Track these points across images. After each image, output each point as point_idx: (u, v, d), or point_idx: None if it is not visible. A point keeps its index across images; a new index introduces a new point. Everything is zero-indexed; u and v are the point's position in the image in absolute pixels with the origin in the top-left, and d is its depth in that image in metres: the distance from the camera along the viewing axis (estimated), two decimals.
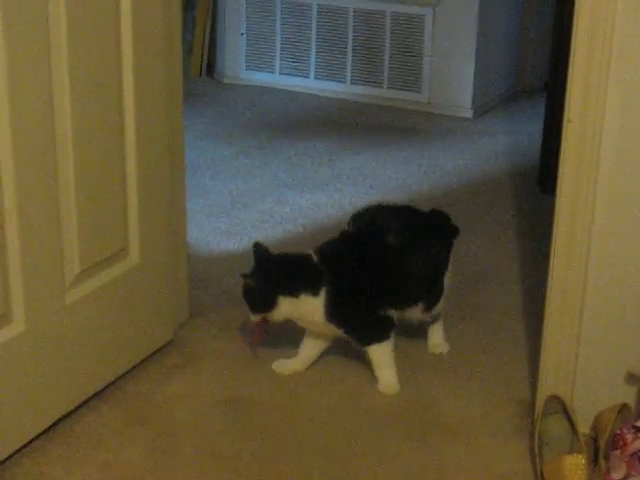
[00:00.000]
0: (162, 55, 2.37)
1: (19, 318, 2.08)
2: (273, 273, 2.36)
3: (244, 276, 2.36)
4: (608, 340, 2.20)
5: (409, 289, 2.46)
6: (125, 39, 2.23)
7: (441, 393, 2.45)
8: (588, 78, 2.03)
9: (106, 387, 2.39)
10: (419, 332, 2.65)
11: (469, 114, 4.63)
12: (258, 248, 2.40)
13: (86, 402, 2.33)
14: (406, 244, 2.41)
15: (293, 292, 2.34)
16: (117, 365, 2.42)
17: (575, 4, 2.03)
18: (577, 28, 2.03)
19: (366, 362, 2.49)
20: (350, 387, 2.47)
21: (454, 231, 2.55)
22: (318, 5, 4.80)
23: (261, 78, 5.01)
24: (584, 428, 2.19)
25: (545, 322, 2.24)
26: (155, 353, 2.55)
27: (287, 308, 2.36)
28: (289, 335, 2.53)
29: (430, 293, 2.50)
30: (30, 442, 2.18)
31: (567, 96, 2.07)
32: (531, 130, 4.31)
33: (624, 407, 2.14)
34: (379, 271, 2.39)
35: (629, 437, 2.02)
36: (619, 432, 2.05)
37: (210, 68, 5.21)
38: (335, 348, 2.55)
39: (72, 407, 2.29)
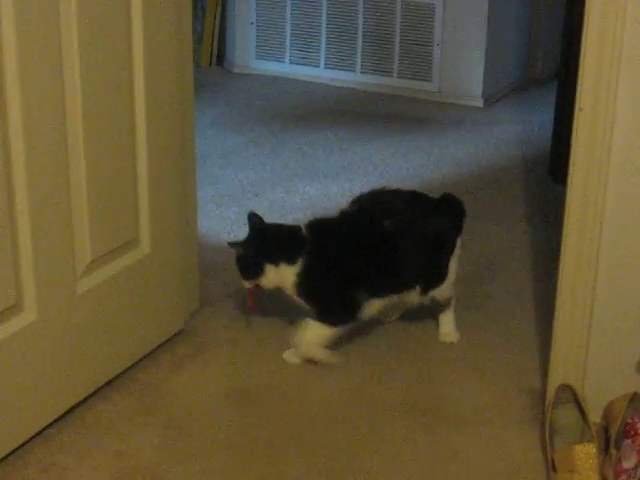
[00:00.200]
0: (172, 45, 2.37)
1: (30, 307, 2.09)
2: (259, 241, 2.43)
3: (230, 244, 2.46)
4: (619, 329, 2.19)
5: (400, 272, 2.45)
6: (135, 29, 2.23)
7: (451, 382, 2.46)
8: (600, 66, 2.03)
9: (117, 376, 2.40)
10: (430, 321, 2.65)
11: (480, 103, 4.61)
12: (253, 217, 2.48)
13: (97, 391, 2.34)
14: (399, 227, 2.42)
15: (274, 260, 2.40)
16: (128, 354, 2.43)
17: None
18: (589, 15, 2.02)
19: (374, 354, 2.49)
20: (360, 377, 2.47)
21: (461, 214, 2.56)
22: None
23: (271, 67, 5.00)
24: (595, 417, 2.19)
25: (556, 311, 2.24)
26: (166, 342, 2.55)
27: (272, 276, 2.42)
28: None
29: (428, 277, 2.50)
30: (42, 431, 2.19)
31: (578, 84, 2.07)
32: (542, 119, 4.29)
33: (635, 396, 2.14)
34: (363, 252, 2.41)
35: None
36: (630, 421, 2.05)
37: (220, 58, 5.20)
38: (344, 338, 2.55)
39: (84, 396, 2.30)
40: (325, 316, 2.43)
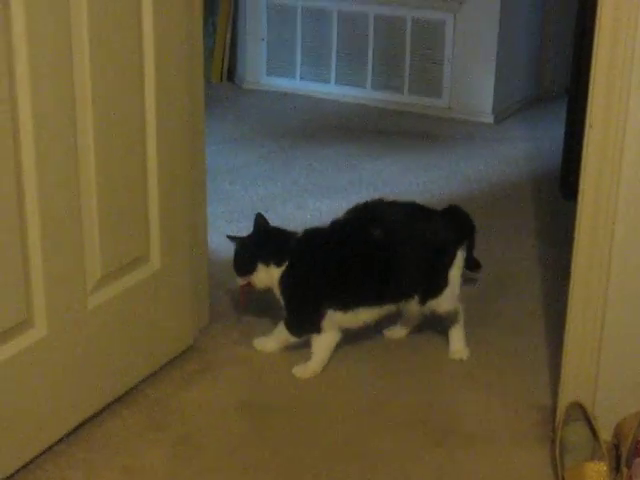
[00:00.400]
0: (183, 61, 2.38)
1: (41, 323, 2.09)
2: (255, 241, 2.55)
3: (229, 237, 2.60)
4: (630, 347, 2.19)
5: (390, 281, 2.48)
6: (147, 45, 2.24)
7: (461, 399, 2.45)
8: (610, 83, 2.03)
9: (127, 392, 2.40)
10: (439, 337, 2.64)
11: (490, 119, 4.62)
12: (258, 218, 2.60)
13: (107, 406, 2.34)
14: (387, 236, 2.46)
15: (265, 260, 2.50)
16: (138, 370, 2.43)
17: (597, 8, 2.02)
18: (599, 32, 2.02)
19: (385, 369, 2.49)
20: (370, 393, 2.46)
21: (464, 227, 2.59)
22: (339, 11, 4.81)
23: (282, 84, 5.02)
24: (606, 435, 2.18)
25: (566, 328, 2.23)
26: (176, 358, 2.55)
27: (263, 275, 2.52)
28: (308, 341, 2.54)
29: (425, 287, 2.51)
30: (52, 446, 2.19)
31: (589, 101, 2.07)
32: (552, 135, 4.29)
33: None
34: (346, 261, 2.47)
35: None
36: None
37: (231, 74, 5.22)
38: (353, 353, 2.55)
39: (93, 411, 2.30)
40: (294, 324, 2.54)
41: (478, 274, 2.86)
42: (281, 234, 2.57)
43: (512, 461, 2.21)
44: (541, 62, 5.03)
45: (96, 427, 2.28)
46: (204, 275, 2.70)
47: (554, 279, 3.02)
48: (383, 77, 4.80)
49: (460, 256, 2.55)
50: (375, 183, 3.83)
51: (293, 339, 2.56)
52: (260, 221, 2.59)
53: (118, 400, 2.36)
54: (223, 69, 5.17)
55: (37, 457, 2.15)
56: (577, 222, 2.15)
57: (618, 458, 2.12)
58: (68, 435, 2.23)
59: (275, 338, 2.60)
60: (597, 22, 2.02)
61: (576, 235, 2.16)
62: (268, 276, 2.52)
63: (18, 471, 2.10)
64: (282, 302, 2.54)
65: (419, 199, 3.57)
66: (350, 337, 2.62)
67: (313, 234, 2.56)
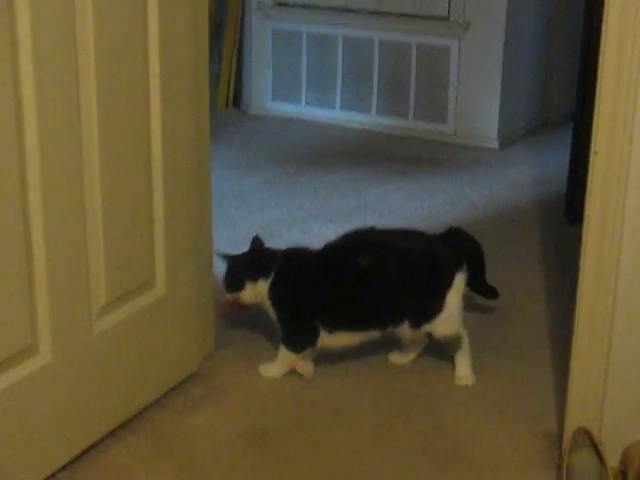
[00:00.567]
0: (189, 86, 2.39)
1: (46, 349, 2.09)
2: (245, 260, 2.60)
3: (218, 254, 2.66)
4: (636, 372, 2.18)
5: (371, 309, 2.51)
6: (153, 71, 2.25)
7: (466, 424, 2.44)
8: (615, 109, 2.03)
9: (132, 418, 2.39)
10: (446, 363, 2.64)
11: (495, 145, 4.63)
12: (255, 240, 2.65)
13: (112, 433, 2.33)
14: (372, 265, 2.49)
15: (253, 278, 2.55)
16: (143, 396, 2.43)
17: (602, 35, 2.02)
18: (604, 59, 2.02)
19: (389, 394, 2.48)
20: (376, 420, 2.46)
21: (466, 250, 2.60)
22: (344, 37, 4.83)
23: (287, 109, 5.03)
24: (613, 461, 2.16)
25: (572, 354, 2.23)
26: (181, 384, 2.55)
27: (251, 292, 2.56)
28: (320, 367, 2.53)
29: (417, 310, 2.52)
30: (55, 473, 2.18)
31: (594, 127, 2.07)
32: (557, 161, 4.30)
33: None
34: (326, 285, 2.51)
35: None
36: None
37: (236, 99, 5.24)
38: (358, 378, 2.54)
39: (98, 438, 2.29)
40: (286, 341, 2.57)
41: (494, 301, 2.84)
42: (268, 252, 2.62)
43: None
44: (546, 88, 5.04)
45: (100, 453, 2.27)
46: (210, 301, 2.70)
47: (560, 304, 3.01)
48: (388, 103, 4.81)
49: (459, 280, 2.54)
50: (380, 208, 3.83)
51: (294, 357, 2.57)
52: (254, 242, 2.64)
53: (123, 426, 2.36)
54: (229, 95, 5.19)
55: None
56: (582, 247, 2.14)
57: None
58: (72, 462, 2.22)
59: (279, 363, 2.59)
60: (602, 48, 2.03)
61: (581, 260, 2.15)
62: (256, 293, 2.56)
63: None
64: (273, 317, 2.57)
65: (424, 224, 3.61)
66: (355, 361, 2.62)
67: (299, 252, 2.61)
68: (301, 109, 5.00)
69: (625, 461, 2.15)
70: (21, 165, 1.94)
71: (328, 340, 2.54)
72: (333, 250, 2.56)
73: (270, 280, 2.53)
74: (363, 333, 2.55)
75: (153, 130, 2.29)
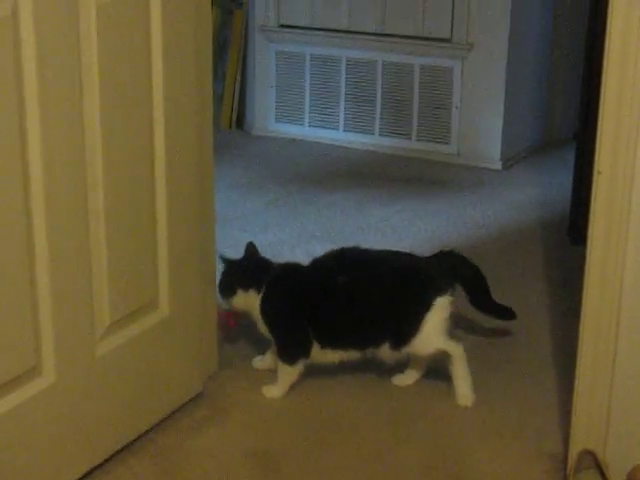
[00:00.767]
0: (193, 107, 2.39)
1: (49, 370, 2.08)
2: (237, 267, 2.65)
3: (221, 257, 2.67)
4: None
5: (349, 329, 2.55)
6: (156, 92, 2.26)
7: (470, 445, 2.43)
8: (618, 129, 2.03)
9: (136, 439, 2.38)
10: (449, 382, 2.63)
11: (498, 166, 4.63)
12: (249, 247, 2.71)
13: (116, 454, 2.32)
14: (351, 286, 2.54)
15: (243, 286, 2.60)
16: (146, 417, 2.42)
17: (604, 55, 2.03)
18: (607, 79, 2.03)
19: (393, 415, 2.47)
20: (379, 440, 2.45)
21: (457, 272, 2.60)
22: (347, 58, 4.84)
23: (290, 130, 5.04)
24: None
25: (577, 375, 2.22)
26: (185, 405, 2.54)
27: (241, 299, 2.61)
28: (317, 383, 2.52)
29: (395, 333, 2.53)
30: None
31: (597, 148, 2.07)
32: (561, 181, 4.30)
33: None
34: (309, 301, 2.56)
35: None
36: None
37: (240, 120, 5.24)
38: (361, 399, 2.53)
39: (102, 459, 2.28)
40: (280, 353, 2.60)
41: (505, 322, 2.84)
42: (261, 261, 2.67)
43: None
44: (549, 108, 5.04)
45: (104, 475, 2.27)
46: (213, 321, 2.70)
47: (564, 324, 3.00)
48: (391, 124, 4.82)
49: (441, 302, 2.53)
50: (383, 229, 3.83)
51: (291, 369, 2.57)
52: (250, 250, 2.69)
53: (126, 448, 2.35)
54: (232, 116, 5.20)
55: None
56: (586, 267, 2.14)
57: None
58: None
59: (281, 383, 2.60)
60: (605, 68, 2.03)
61: (585, 280, 2.15)
62: (246, 300, 2.60)
63: None
64: (261, 327, 2.61)
65: (427, 245, 3.61)
66: (358, 381, 2.62)
67: (292, 268, 2.67)
68: (304, 130, 5.01)
69: None
70: (25, 189, 1.95)
71: (317, 355, 2.57)
72: (318, 267, 2.62)
73: (261, 294, 2.58)
74: (342, 352, 2.57)
75: (157, 152, 2.29)
